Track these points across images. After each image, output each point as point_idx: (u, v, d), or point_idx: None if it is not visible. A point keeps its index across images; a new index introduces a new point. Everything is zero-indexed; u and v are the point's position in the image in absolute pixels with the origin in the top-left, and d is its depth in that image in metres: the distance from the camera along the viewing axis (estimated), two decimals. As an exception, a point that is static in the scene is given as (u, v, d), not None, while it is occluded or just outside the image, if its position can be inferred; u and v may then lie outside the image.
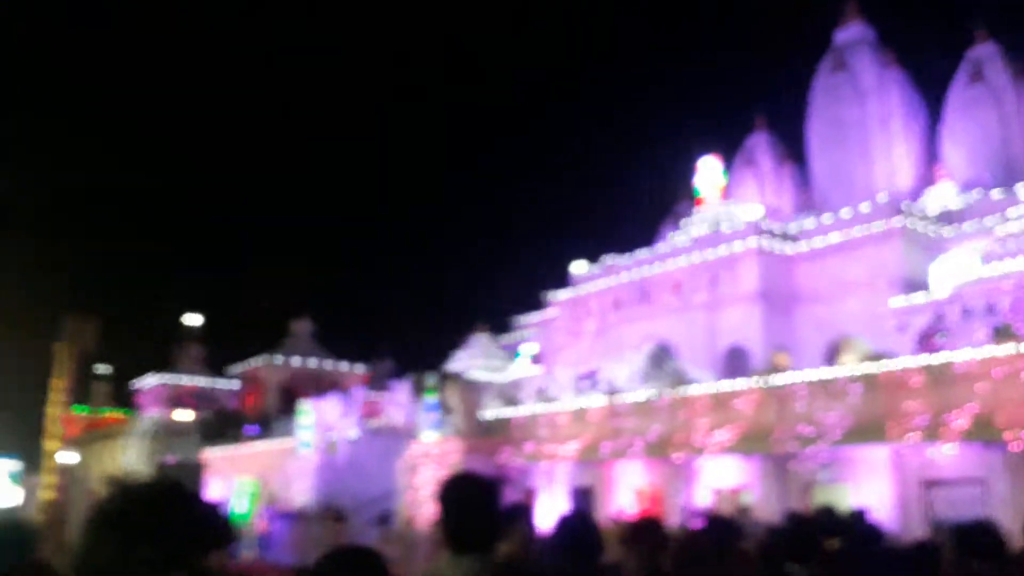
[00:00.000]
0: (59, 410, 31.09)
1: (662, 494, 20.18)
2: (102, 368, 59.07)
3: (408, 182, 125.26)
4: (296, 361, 48.96)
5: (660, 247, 27.75)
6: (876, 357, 17.19)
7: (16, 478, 29.62)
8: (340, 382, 47.30)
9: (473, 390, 24.77)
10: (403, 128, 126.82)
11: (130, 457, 45.89)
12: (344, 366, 50.50)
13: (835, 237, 23.59)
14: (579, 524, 3.47)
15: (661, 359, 24.89)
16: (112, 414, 57.87)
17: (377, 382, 48.42)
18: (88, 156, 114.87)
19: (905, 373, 16.03)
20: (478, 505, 2.61)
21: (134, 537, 1.24)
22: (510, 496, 20.85)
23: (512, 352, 36.91)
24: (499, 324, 39.29)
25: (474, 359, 36.07)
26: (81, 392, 51.83)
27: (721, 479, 19.44)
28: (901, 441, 15.29)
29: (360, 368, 50.96)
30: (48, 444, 30.77)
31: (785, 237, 24.44)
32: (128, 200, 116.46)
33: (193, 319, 52.41)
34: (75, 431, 42.93)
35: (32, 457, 34.05)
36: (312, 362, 49.39)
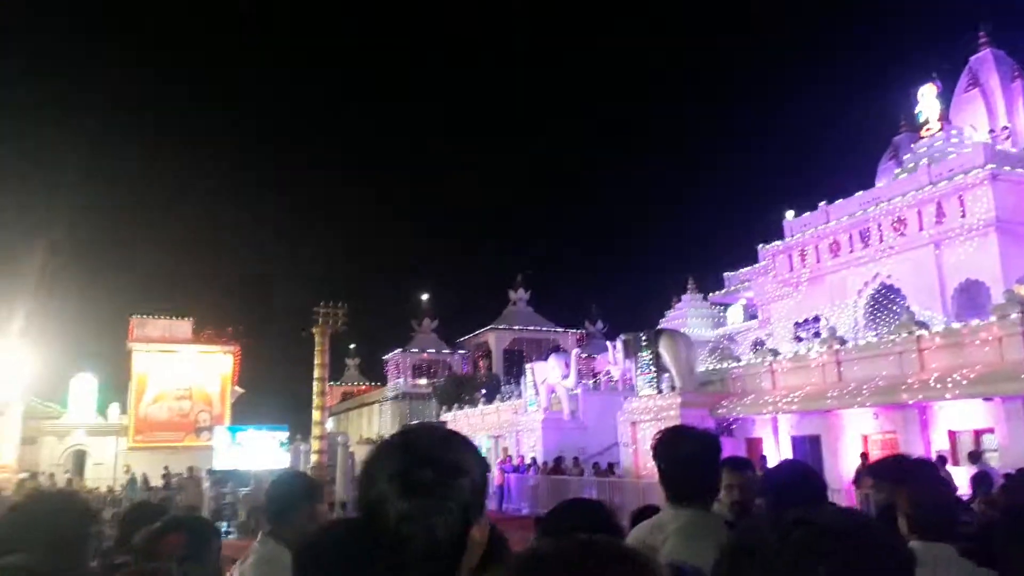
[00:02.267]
0: (319, 385, 35.46)
1: (895, 440, 19.36)
2: (352, 347, 66.08)
3: (612, 145, 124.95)
4: (516, 328, 51.53)
5: (879, 184, 26.05)
6: None
7: (285, 445, 34.44)
8: (558, 344, 49.17)
9: (687, 345, 24.91)
10: (605, 90, 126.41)
11: (380, 421, 51.10)
12: (560, 329, 52.38)
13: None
14: (791, 472, 3.33)
15: (886, 301, 23.60)
16: (363, 385, 64.53)
17: (592, 342, 49.74)
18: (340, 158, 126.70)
19: None
20: (693, 458, 2.63)
21: (426, 491, 1.22)
22: (732, 448, 21.00)
23: (725, 307, 36.41)
24: (711, 280, 38.81)
25: (687, 316, 36.05)
26: (336, 368, 58.43)
27: (960, 422, 18.31)
28: None
29: (575, 330, 52.60)
30: (314, 415, 35.31)
31: (1018, 160, 22.02)
32: (367, 198, 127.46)
33: (425, 297, 56.93)
34: (332, 402, 48.44)
35: (297, 427, 39.54)
36: (530, 328, 51.73)
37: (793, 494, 2.97)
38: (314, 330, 34.85)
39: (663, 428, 2.94)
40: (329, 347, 35.43)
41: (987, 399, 17.27)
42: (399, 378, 52.54)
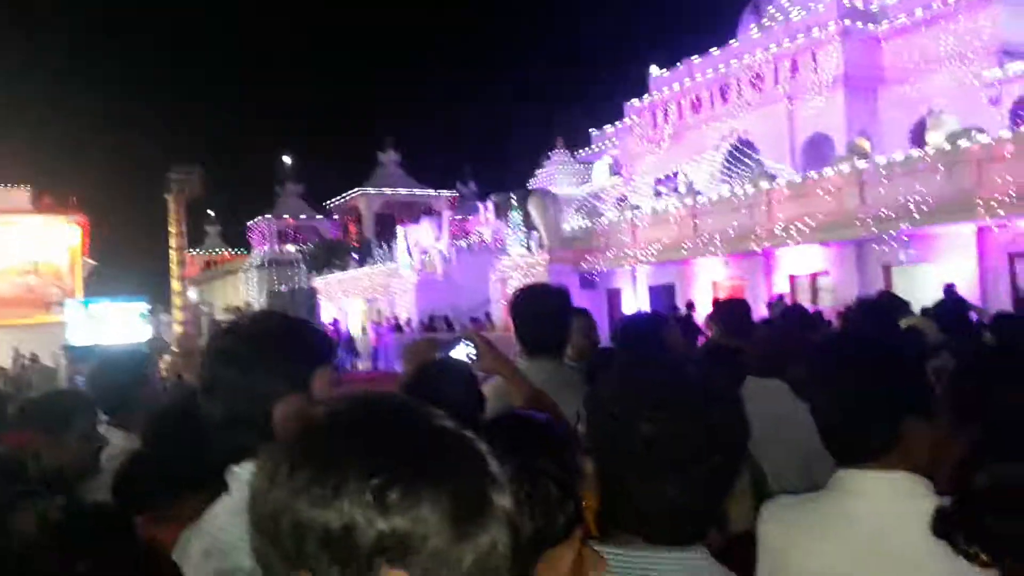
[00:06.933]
0: (178, 254, 33.86)
1: (742, 285, 20.76)
2: (211, 213, 63.24)
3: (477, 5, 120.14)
4: (387, 191, 50.57)
5: (738, 41, 26.48)
6: (964, 132, 16.51)
7: (145, 317, 32.92)
8: (430, 207, 48.85)
9: (554, 204, 25.37)
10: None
11: (247, 289, 49.90)
12: (433, 192, 51.85)
13: (920, 12, 21.63)
14: (641, 320, 3.83)
15: (741, 155, 24.62)
16: (225, 253, 62.37)
17: (464, 204, 49.72)
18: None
19: (996, 145, 15.45)
20: (546, 313, 2.79)
21: (245, 364, 1.36)
22: (593, 300, 21.92)
23: (591, 165, 36.94)
24: (578, 139, 39.06)
25: (555, 174, 36.40)
26: (195, 236, 55.95)
27: (799, 267, 19.79)
28: (989, 216, 14.97)
29: (448, 192, 52.24)
30: (173, 285, 33.90)
31: (869, 17, 22.77)
32: (218, 57, 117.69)
33: (288, 160, 54.74)
34: (194, 271, 46.65)
35: (159, 299, 37.89)
36: (402, 191, 50.90)
37: (643, 344, 3.24)
38: (168, 196, 32.89)
39: (533, 284, 3.14)
40: (186, 214, 33.62)
41: (824, 245, 18.67)
42: (264, 245, 51.05)
